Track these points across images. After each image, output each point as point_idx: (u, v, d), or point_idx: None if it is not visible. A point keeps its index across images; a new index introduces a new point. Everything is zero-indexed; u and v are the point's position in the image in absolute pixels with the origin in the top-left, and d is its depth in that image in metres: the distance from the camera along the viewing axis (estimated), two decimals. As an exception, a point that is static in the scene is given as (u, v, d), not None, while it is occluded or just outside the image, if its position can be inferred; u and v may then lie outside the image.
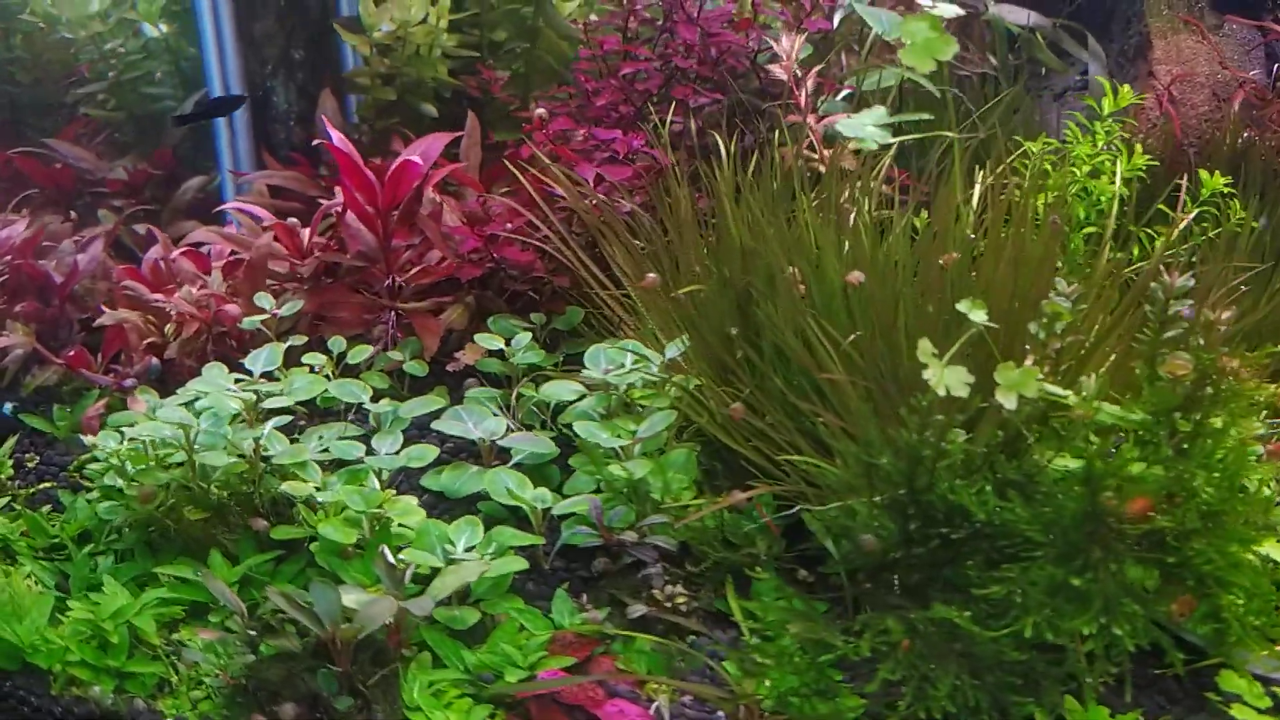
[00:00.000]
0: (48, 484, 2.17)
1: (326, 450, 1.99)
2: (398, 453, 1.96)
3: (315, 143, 2.49)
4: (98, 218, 2.94)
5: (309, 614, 1.59)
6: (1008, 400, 1.51)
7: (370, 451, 1.98)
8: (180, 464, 1.90)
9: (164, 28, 3.20)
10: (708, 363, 2.04)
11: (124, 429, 2.02)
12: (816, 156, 2.64)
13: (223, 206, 2.64)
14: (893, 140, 2.05)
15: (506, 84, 3.12)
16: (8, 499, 2.09)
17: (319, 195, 2.99)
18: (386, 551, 1.72)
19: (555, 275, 2.50)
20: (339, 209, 2.50)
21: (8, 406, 2.36)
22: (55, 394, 2.44)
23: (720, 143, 2.53)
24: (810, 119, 2.61)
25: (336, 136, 2.50)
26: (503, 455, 2.10)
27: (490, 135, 3.06)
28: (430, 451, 1.96)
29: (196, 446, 1.86)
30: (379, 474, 1.93)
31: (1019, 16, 2.98)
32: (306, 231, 2.56)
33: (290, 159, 3.11)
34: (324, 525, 1.81)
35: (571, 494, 1.97)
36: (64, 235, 2.75)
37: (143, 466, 1.89)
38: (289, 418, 1.98)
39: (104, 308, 2.38)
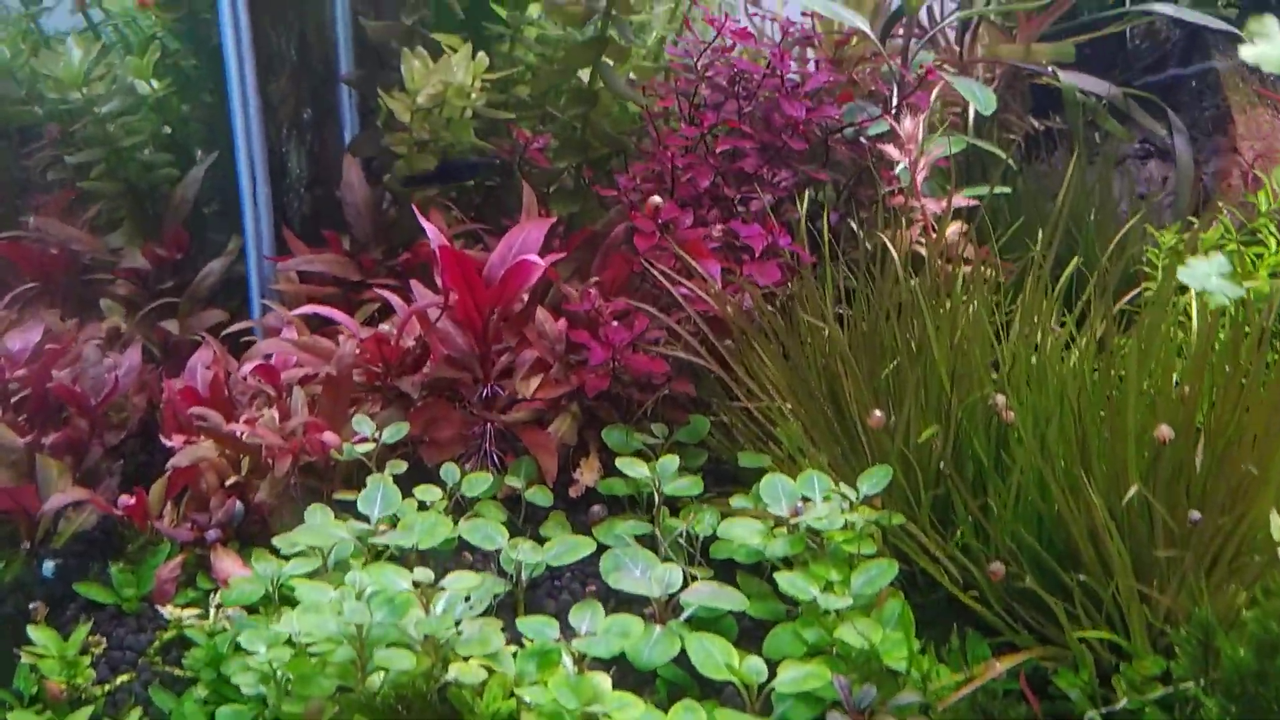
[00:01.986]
0: (126, 676, 1.75)
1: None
2: (597, 632, 1.65)
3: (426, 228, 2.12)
4: (100, 309, 2.49)
5: None
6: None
7: (566, 628, 1.66)
8: (340, 662, 1.55)
9: (155, 84, 2.75)
10: (914, 500, 1.82)
11: (248, 620, 1.65)
12: (928, 241, 2.46)
13: (300, 311, 2.24)
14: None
15: (559, 151, 2.81)
16: (91, 710, 1.67)
17: (357, 278, 2.62)
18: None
19: (675, 381, 2.23)
20: (434, 309, 2.16)
21: (49, 566, 1.93)
22: (95, 540, 2.02)
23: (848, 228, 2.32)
24: (928, 203, 2.42)
25: (431, 230, 2.16)
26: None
27: (544, 210, 2.76)
28: (634, 625, 1.66)
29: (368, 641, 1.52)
30: (578, 658, 1.62)
31: (1092, 85, 2.87)
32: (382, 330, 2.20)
33: (320, 236, 2.72)
34: (536, 734, 1.50)
35: (775, 657, 1.72)
36: (70, 338, 2.30)
37: (303, 674, 1.52)
38: (465, 604, 1.63)
39: (166, 440, 1.97)
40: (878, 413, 1.75)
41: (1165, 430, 1.51)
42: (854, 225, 2.59)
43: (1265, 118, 2.75)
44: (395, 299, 2.31)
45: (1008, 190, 2.81)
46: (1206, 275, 1.40)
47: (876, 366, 2.06)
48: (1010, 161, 2.76)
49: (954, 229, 2.46)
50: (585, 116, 2.77)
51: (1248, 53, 1.29)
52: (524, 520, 2.09)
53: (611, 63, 2.75)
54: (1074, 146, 2.98)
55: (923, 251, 2.43)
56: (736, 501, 1.99)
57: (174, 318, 2.44)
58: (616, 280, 2.39)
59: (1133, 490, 1.56)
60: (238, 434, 1.92)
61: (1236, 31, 2.65)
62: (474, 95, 2.72)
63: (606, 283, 2.39)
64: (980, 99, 2.57)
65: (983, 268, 2.41)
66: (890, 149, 2.39)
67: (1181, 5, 2.98)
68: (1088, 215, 2.81)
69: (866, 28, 2.74)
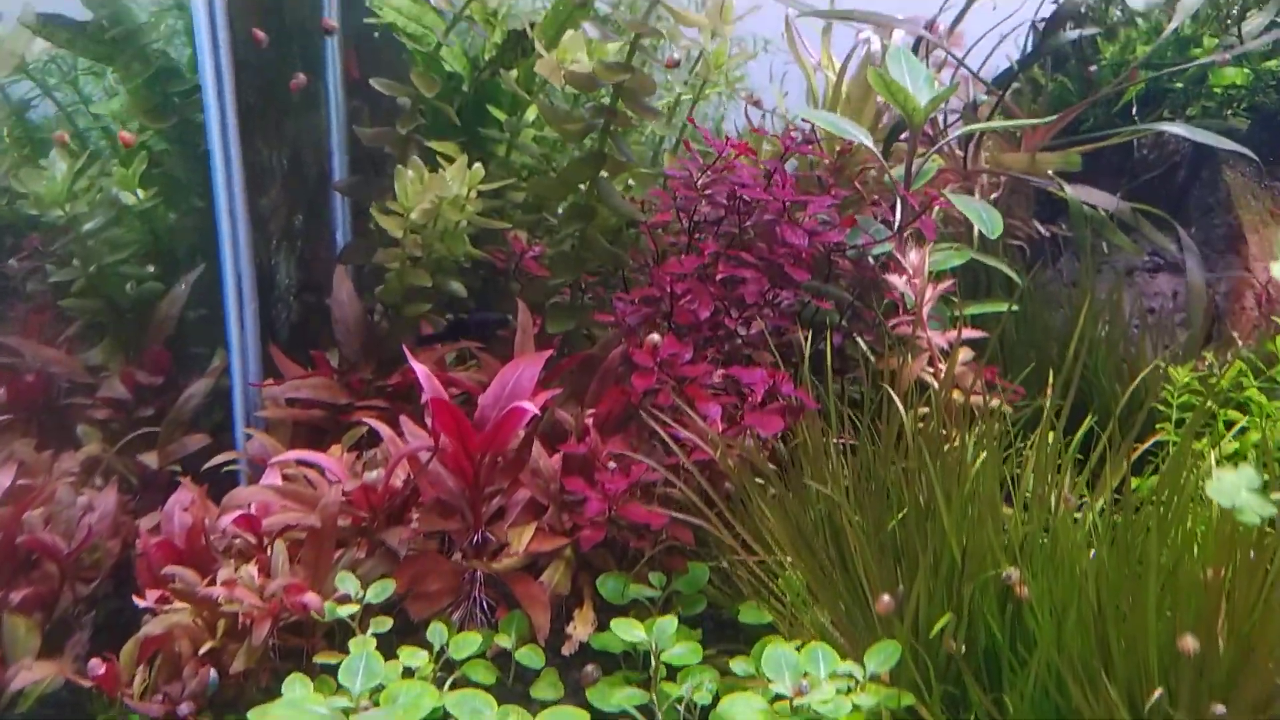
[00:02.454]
0: None
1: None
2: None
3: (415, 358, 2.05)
4: (77, 435, 2.40)
5: None
6: None
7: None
8: None
9: (141, 194, 2.68)
10: (924, 680, 1.73)
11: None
12: (934, 371, 2.40)
13: (284, 458, 2.16)
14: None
15: (555, 266, 2.74)
16: None
17: (345, 401, 2.53)
18: None
19: (673, 528, 2.14)
20: (424, 451, 2.08)
21: (11, 737, 1.83)
22: (64, 702, 1.92)
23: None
24: (933, 336, 2.35)
25: (421, 371, 2.08)
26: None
27: (538, 321, 2.69)
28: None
29: None
30: None
31: (1098, 199, 2.81)
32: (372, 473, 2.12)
33: (311, 342, 2.65)
34: None
35: None
36: (44, 476, 2.21)
37: None
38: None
39: (140, 600, 1.88)
40: (886, 597, 1.66)
41: (1190, 643, 1.43)
42: (859, 341, 2.52)
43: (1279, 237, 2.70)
44: (384, 429, 2.23)
45: (1015, 308, 2.75)
46: (1235, 490, 1.32)
47: (883, 518, 1.98)
48: (1017, 279, 2.70)
49: (962, 356, 2.39)
50: (582, 232, 2.70)
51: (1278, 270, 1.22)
52: (514, 679, 2.00)
53: (607, 175, 2.69)
54: (1080, 257, 2.92)
55: (929, 380, 2.36)
56: (737, 665, 1.91)
57: (154, 447, 2.35)
58: (613, 413, 2.32)
59: (1156, 695, 1.47)
60: (215, 597, 1.83)
61: (1248, 152, 2.61)
62: (468, 207, 2.66)
63: (602, 416, 2.31)
64: (986, 221, 2.51)
65: (989, 396, 2.35)
66: (894, 278, 2.33)
67: (1192, 122, 2.94)
68: (1098, 332, 2.75)
69: (868, 141, 2.69)
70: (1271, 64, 2.96)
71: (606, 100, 2.62)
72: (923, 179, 2.79)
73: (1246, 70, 2.97)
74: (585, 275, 2.89)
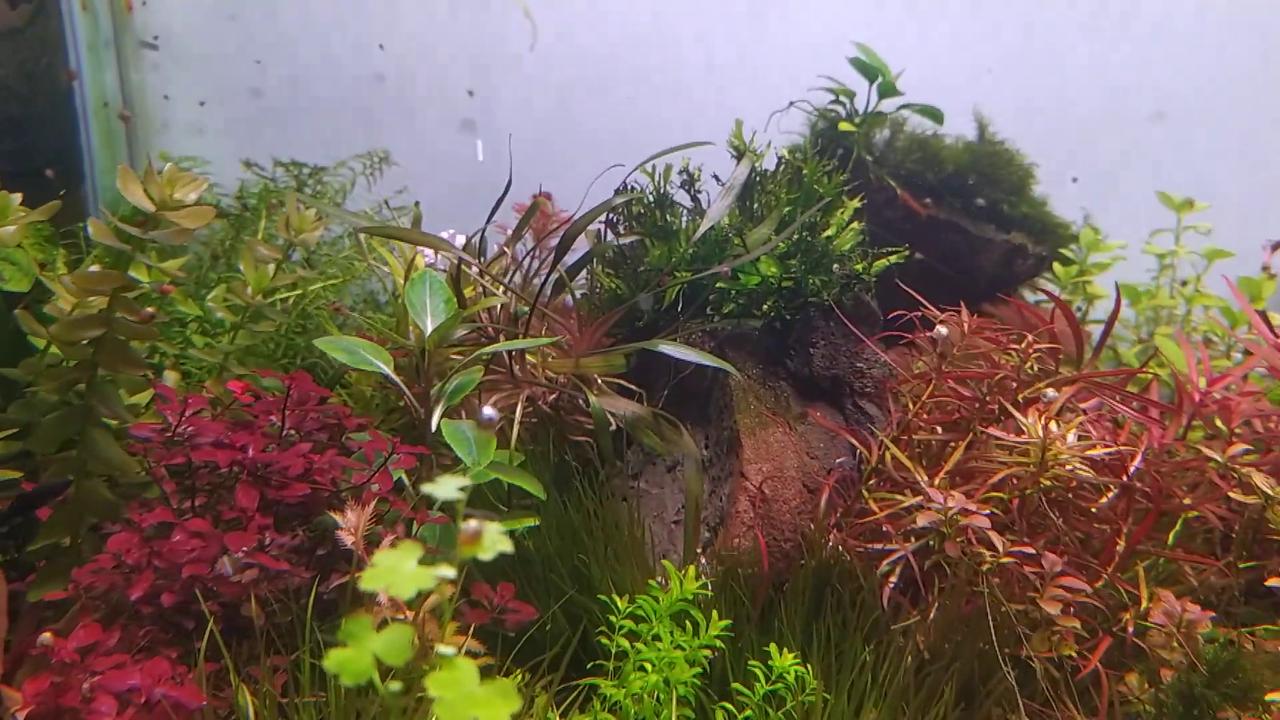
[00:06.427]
0: None
1: None
2: None
3: None
4: None
5: None
6: None
7: None
8: None
9: None
10: None
11: None
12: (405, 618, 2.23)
13: None
14: None
15: (50, 519, 2.48)
16: None
17: None
18: None
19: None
20: None
21: None
22: None
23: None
24: (383, 598, 2.18)
25: None
26: None
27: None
28: None
29: None
30: None
31: (623, 408, 2.73)
32: None
33: None
34: None
35: None
36: None
37: None
38: None
39: None
40: None
41: None
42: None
43: (777, 435, 2.65)
44: None
45: (535, 522, 2.62)
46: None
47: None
48: (540, 494, 2.57)
49: (430, 604, 2.25)
50: (79, 485, 2.46)
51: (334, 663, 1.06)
52: None
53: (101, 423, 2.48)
54: (604, 463, 2.83)
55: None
56: None
57: None
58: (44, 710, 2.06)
59: None
60: None
61: (728, 368, 2.57)
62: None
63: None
64: (470, 453, 2.38)
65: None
66: (344, 535, 2.16)
67: (726, 319, 2.91)
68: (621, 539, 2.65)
69: (388, 370, 2.56)
70: (793, 263, 2.97)
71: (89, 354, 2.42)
72: (462, 392, 2.67)
73: (775, 270, 2.98)
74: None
